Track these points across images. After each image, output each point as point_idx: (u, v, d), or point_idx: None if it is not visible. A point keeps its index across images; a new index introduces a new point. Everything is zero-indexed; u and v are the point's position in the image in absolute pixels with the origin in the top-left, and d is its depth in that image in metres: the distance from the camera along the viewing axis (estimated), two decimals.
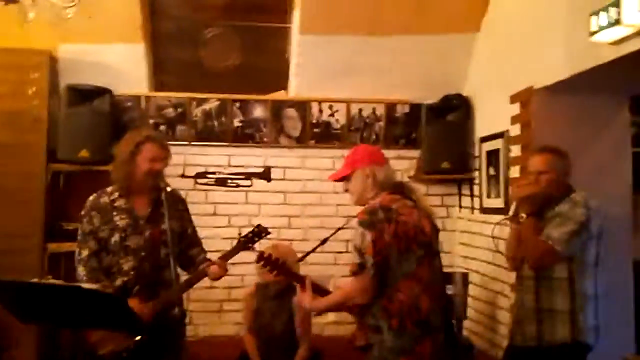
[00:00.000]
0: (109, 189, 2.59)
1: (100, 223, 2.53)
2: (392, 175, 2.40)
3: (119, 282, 2.50)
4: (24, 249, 3.38)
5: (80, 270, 2.49)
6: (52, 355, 3.07)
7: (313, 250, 2.72)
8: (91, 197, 2.59)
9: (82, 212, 2.57)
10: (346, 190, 2.47)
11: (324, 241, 2.72)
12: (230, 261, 3.91)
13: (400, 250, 2.18)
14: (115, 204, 2.56)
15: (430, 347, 2.17)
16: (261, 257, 2.48)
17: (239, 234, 2.75)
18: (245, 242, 2.71)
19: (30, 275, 3.18)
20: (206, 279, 2.64)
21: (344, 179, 2.41)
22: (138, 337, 2.34)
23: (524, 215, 2.59)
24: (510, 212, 2.70)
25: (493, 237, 2.86)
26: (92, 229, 2.52)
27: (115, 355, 2.40)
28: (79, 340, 2.39)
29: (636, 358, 1.73)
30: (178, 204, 2.69)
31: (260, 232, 2.73)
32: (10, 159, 3.41)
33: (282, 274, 2.51)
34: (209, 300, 3.93)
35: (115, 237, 2.51)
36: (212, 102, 3.89)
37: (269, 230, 2.77)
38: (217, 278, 2.66)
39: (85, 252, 2.52)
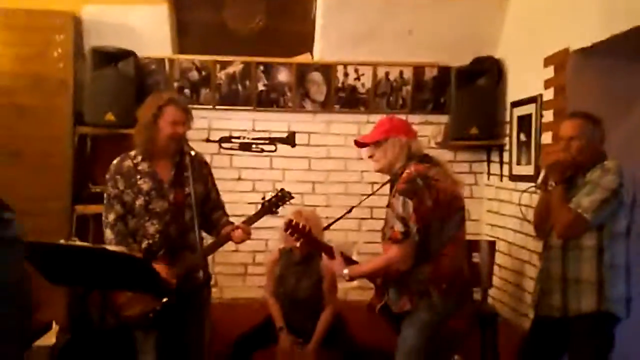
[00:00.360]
0: (132, 153, 2.60)
1: (124, 187, 2.54)
2: (422, 148, 2.49)
3: (144, 244, 2.52)
4: (53, 212, 3.44)
5: (108, 234, 2.53)
6: (82, 315, 3.14)
7: (339, 219, 2.72)
8: (115, 161, 2.60)
9: (107, 176, 2.58)
10: (370, 157, 2.45)
11: (350, 210, 2.74)
12: (254, 225, 3.97)
13: (442, 216, 2.33)
14: (139, 168, 2.56)
15: (471, 307, 2.32)
16: (289, 224, 2.50)
17: (263, 198, 2.73)
18: (269, 207, 2.69)
19: (58, 237, 3.25)
20: (230, 242, 2.64)
21: (375, 144, 2.42)
22: (165, 299, 2.38)
23: (552, 183, 2.52)
24: (539, 180, 2.61)
25: (520, 205, 2.80)
26: (117, 193, 2.54)
27: (141, 316, 2.45)
28: (107, 302, 2.43)
29: None
30: (202, 167, 2.68)
31: (284, 196, 2.72)
32: (37, 122, 3.44)
33: (309, 243, 2.54)
34: (233, 263, 3.97)
35: (140, 201, 2.53)
36: (236, 65, 3.82)
37: (293, 195, 2.76)
38: (241, 242, 2.66)
39: (112, 216, 2.54)
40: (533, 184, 2.70)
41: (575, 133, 2.50)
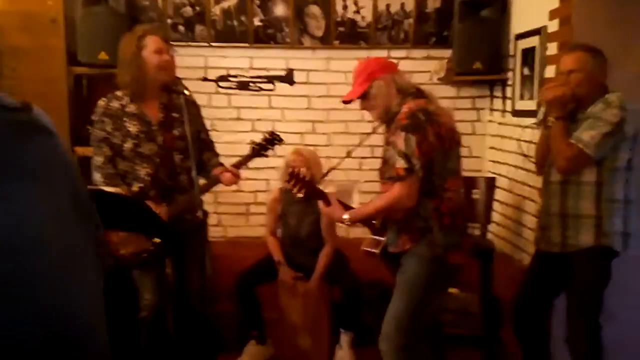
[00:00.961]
0: (119, 93, 2.52)
1: (112, 129, 2.49)
2: (409, 81, 2.38)
3: (135, 187, 2.52)
4: None
5: (98, 177, 2.50)
6: None
7: (338, 165, 2.66)
8: (101, 102, 2.53)
9: (94, 118, 2.53)
10: (363, 109, 2.37)
11: (348, 154, 2.69)
12: (255, 166, 3.97)
13: (445, 149, 2.27)
14: (126, 110, 2.50)
15: (469, 241, 2.33)
16: (292, 175, 2.43)
17: (252, 141, 2.72)
18: (258, 150, 2.69)
19: None
20: None
21: (362, 97, 2.32)
22: (156, 240, 2.41)
23: (552, 118, 2.47)
24: (539, 116, 2.56)
25: (521, 142, 2.76)
26: (105, 135, 2.50)
27: (135, 255, 2.48)
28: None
29: None
30: (191, 107, 2.63)
31: (273, 139, 2.71)
32: (31, 63, 3.36)
33: (309, 193, 2.48)
34: (236, 203, 4.01)
35: (128, 144, 2.49)
36: None
37: (282, 137, 2.76)
38: (230, 184, 2.66)
39: (100, 159, 2.51)
40: (533, 121, 2.65)
41: (575, 66, 2.43)
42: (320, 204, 2.47)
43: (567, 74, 2.45)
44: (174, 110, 2.55)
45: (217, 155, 2.75)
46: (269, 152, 2.73)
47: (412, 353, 2.35)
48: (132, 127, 2.50)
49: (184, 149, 2.46)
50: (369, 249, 2.45)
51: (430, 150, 2.21)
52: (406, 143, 2.17)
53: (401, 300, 2.32)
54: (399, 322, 2.30)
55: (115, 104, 2.51)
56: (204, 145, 2.70)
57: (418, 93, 2.33)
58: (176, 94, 2.52)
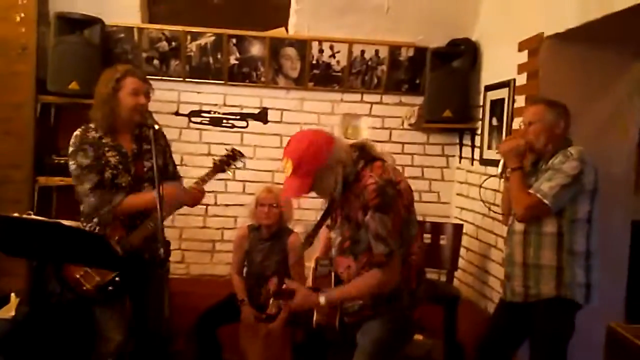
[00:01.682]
0: (92, 125, 2.50)
1: (94, 157, 2.44)
2: (346, 144, 2.15)
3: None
4: (14, 181, 3.34)
5: (91, 201, 2.40)
6: (42, 286, 3.09)
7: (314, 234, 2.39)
8: (77, 132, 2.50)
9: (73, 148, 2.46)
10: (310, 194, 2.13)
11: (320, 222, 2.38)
12: (223, 202, 3.93)
13: (409, 217, 2.15)
14: (104, 141, 2.48)
15: (427, 284, 2.28)
16: (277, 293, 2.23)
17: (214, 157, 2.78)
18: (221, 165, 2.73)
19: (19, 207, 3.17)
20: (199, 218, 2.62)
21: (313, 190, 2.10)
22: (116, 273, 2.38)
23: (510, 169, 2.53)
24: (499, 169, 2.63)
25: (482, 200, 2.80)
26: (90, 162, 2.44)
27: (100, 289, 2.41)
28: (61, 276, 2.38)
29: (622, 326, 1.68)
30: (160, 139, 2.63)
31: (234, 155, 2.77)
32: None
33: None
34: (201, 240, 3.94)
35: (107, 174, 2.45)
36: (208, 36, 3.71)
37: (245, 156, 2.81)
38: (196, 203, 2.68)
39: (88, 185, 2.42)
40: (494, 174, 2.71)
41: (534, 118, 2.51)
42: (296, 298, 2.17)
43: (527, 125, 2.53)
44: (144, 141, 2.54)
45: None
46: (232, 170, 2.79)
47: None
48: (112, 158, 2.47)
49: (152, 180, 2.43)
50: (324, 322, 2.30)
51: (402, 223, 2.08)
52: (382, 225, 2.02)
53: (365, 355, 2.18)
54: None
55: (92, 134, 2.48)
56: (171, 177, 2.69)
57: (366, 154, 2.13)
58: (146, 127, 2.50)
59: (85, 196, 2.43)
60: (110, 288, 2.41)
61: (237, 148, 2.80)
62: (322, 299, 2.10)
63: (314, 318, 2.28)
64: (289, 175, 2.04)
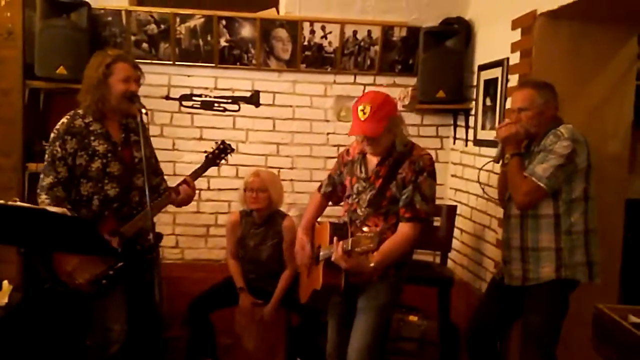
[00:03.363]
0: (81, 111, 2.46)
1: (76, 148, 2.40)
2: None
3: (95, 206, 2.44)
4: (4, 168, 3.31)
5: (44, 199, 2.37)
6: (35, 273, 3.08)
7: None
8: (64, 120, 2.45)
9: (53, 136, 2.43)
10: (369, 144, 2.36)
11: None
12: (217, 187, 3.91)
13: None
14: (91, 128, 2.44)
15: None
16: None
17: (205, 151, 2.77)
18: (212, 159, 2.73)
19: (10, 195, 3.14)
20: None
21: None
22: (119, 264, 2.36)
23: (508, 155, 2.51)
24: (496, 154, 2.61)
25: (479, 182, 2.79)
26: (64, 154, 2.40)
27: (93, 283, 2.38)
28: (51, 269, 2.36)
29: (609, 307, 1.68)
30: (145, 130, 2.58)
31: (225, 148, 2.77)
32: None
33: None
34: (195, 225, 3.92)
35: (97, 164, 2.42)
36: (197, 18, 3.65)
37: (233, 147, 2.83)
38: (187, 200, 2.62)
39: (49, 180, 2.39)
40: (492, 155, 2.69)
41: (525, 104, 2.49)
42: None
43: (518, 111, 2.50)
44: (132, 132, 2.53)
45: (165, 181, 2.76)
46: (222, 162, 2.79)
47: None
48: (100, 147, 2.44)
49: (141, 170, 2.41)
50: (331, 283, 2.36)
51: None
52: (430, 188, 2.33)
53: (372, 327, 2.38)
54: (371, 348, 2.37)
55: (79, 122, 2.44)
56: (154, 170, 2.67)
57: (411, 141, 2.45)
58: (132, 118, 2.51)
59: (41, 190, 2.39)
60: (104, 282, 2.39)
61: (228, 135, 2.82)
62: (372, 264, 2.27)
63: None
64: (365, 118, 2.30)
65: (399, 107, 3.93)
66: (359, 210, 2.42)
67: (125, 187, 2.49)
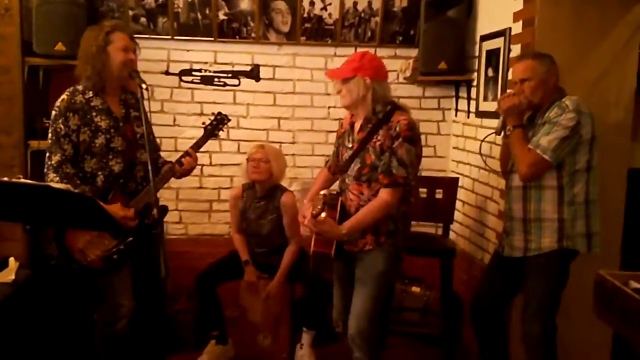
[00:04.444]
0: (80, 87, 2.45)
1: (79, 124, 2.39)
2: (389, 92, 2.46)
3: (99, 182, 2.45)
4: (5, 146, 3.30)
5: (53, 177, 2.36)
6: (41, 249, 3.11)
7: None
8: (64, 96, 2.44)
9: (55, 113, 2.41)
10: (338, 92, 2.43)
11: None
12: (218, 162, 3.91)
13: (420, 161, 2.45)
14: (92, 104, 2.43)
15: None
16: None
17: (203, 123, 2.82)
18: (212, 130, 2.78)
19: (13, 173, 3.14)
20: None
21: (343, 80, 2.39)
22: (129, 239, 2.40)
23: (510, 127, 2.50)
24: (498, 125, 2.60)
25: (481, 154, 2.79)
26: (68, 131, 2.39)
27: (105, 260, 2.41)
28: (66, 248, 2.38)
29: (610, 273, 1.69)
30: (144, 106, 2.60)
31: (222, 119, 2.82)
32: None
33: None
34: (198, 200, 3.94)
35: (100, 139, 2.42)
36: None
37: (229, 117, 2.88)
38: (189, 170, 2.66)
39: (57, 157, 2.39)
40: (493, 130, 2.68)
41: (526, 75, 2.48)
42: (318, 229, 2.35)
43: (520, 82, 2.49)
44: (131, 107, 2.53)
45: (162, 157, 2.79)
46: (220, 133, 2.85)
47: (379, 340, 2.56)
48: (102, 122, 2.43)
49: (144, 146, 2.42)
50: (321, 251, 2.41)
51: (419, 161, 2.42)
52: (407, 153, 2.30)
53: (370, 295, 2.41)
54: (371, 315, 2.41)
55: (79, 98, 2.43)
56: (153, 146, 2.68)
57: (397, 106, 2.41)
58: (130, 94, 2.52)
59: (49, 169, 2.38)
60: (115, 257, 2.42)
61: (229, 110, 2.87)
62: (344, 231, 2.32)
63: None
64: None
65: (400, 79, 3.93)
66: (347, 179, 2.47)
67: (129, 162, 2.49)
